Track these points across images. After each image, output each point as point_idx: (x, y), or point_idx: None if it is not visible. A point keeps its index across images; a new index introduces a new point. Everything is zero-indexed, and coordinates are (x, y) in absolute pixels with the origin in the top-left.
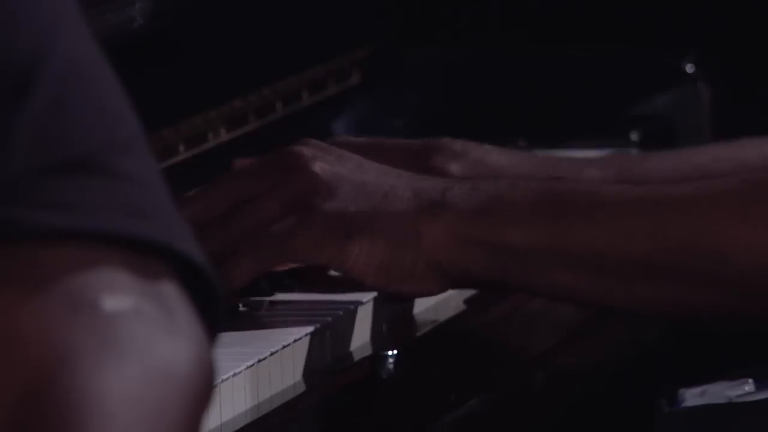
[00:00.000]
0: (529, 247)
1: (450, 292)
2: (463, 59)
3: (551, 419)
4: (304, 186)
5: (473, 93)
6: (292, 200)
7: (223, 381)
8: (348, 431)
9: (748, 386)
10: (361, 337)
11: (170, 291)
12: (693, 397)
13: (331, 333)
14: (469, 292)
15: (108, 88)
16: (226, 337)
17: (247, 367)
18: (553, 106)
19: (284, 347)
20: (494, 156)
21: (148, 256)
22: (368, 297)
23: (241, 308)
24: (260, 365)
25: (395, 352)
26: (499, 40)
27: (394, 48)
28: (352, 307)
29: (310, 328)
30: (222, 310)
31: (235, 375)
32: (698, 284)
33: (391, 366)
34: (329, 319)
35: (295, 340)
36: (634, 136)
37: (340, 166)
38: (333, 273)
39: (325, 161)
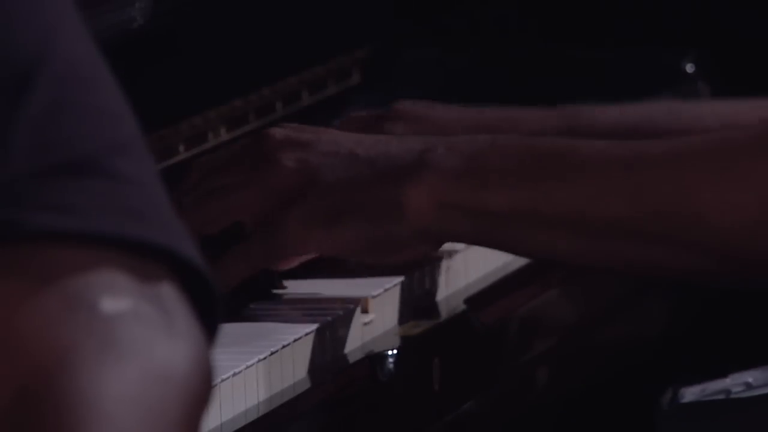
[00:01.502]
0: (510, 209)
1: (450, 292)
2: (462, 59)
3: (552, 417)
4: (281, 182)
5: (473, 93)
6: (271, 199)
7: (223, 380)
8: (348, 431)
9: (748, 383)
10: (362, 337)
11: (169, 293)
12: (693, 394)
13: (331, 332)
14: (469, 293)
15: (107, 90)
16: (227, 336)
17: (247, 367)
18: (553, 106)
19: (284, 347)
20: (439, 112)
21: (147, 258)
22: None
23: (251, 308)
24: (260, 364)
25: (395, 351)
26: (499, 41)
27: (394, 48)
28: (352, 306)
29: (310, 328)
30: (220, 311)
31: (235, 374)
32: (676, 245)
33: (391, 366)
34: (329, 318)
35: (295, 340)
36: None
37: (313, 152)
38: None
39: (296, 149)
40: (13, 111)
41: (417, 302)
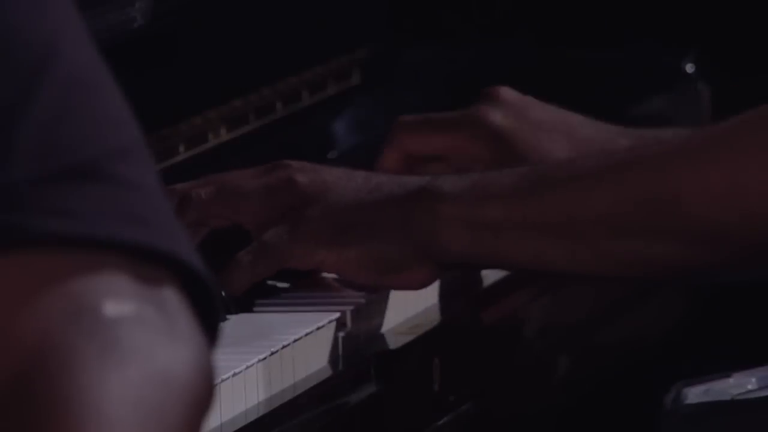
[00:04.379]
0: (506, 219)
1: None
2: (463, 59)
3: (554, 417)
4: (291, 195)
5: (473, 93)
6: (280, 210)
7: (223, 380)
8: (348, 431)
9: (752, 384)
10: (362, 337)
11: (171, 297)
12: (696, 395)
13: (332, 332)
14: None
15: (110, 95)
16: (227, 337)
17: (248, 367)
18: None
19: (285, 347)
20: (537, 109)
21: (149, 263)
22: (368, 298)
23: (256, 309)
24: (260, 365)
25: (395, 352)
26: (499, 41)
27: (394, 48)
28: (352, 306)
29: (310, 328)
30: (221, 316)
31: (235, 375)
32: (657, 235)
33: (391, 366)
34: (329, 318)
35: (295, 340)
36: None
37: (326, 174)
38: (325, 275)
39: (311, 172)
40: (17, 116)
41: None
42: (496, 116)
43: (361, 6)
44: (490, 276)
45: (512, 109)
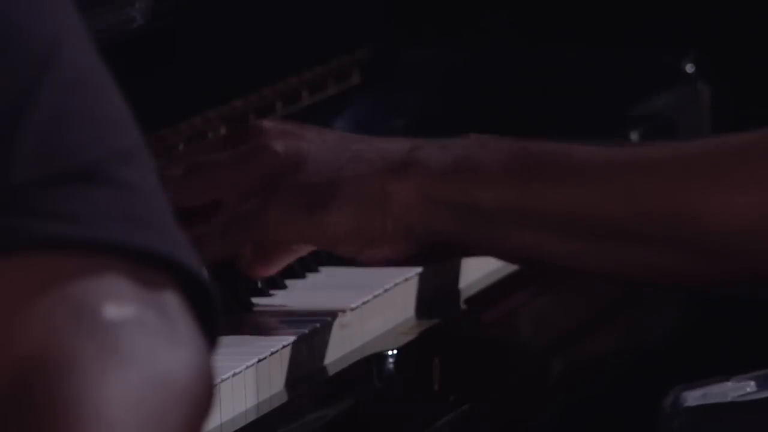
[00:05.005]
0: (500, 208)
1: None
2: (462, 59)
3: (552, 420)
4: (267, 165)
5: (473, 93)
6: (256, 180)
7: (222, 381)
8: (348, 431)
9: (750, 387)
10: (361, 337)
11: (171, 300)
12: (695, 398)
13: (332, 332)
14: (469, 293)
15: (110, 98)
16: (227, 337)
17: (247, 367)
18: (553, 106)
19: (284, 347)
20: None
21: (150, 266)
22: (369, 297)
23: (256, 309)
24: (260, 365)
25: (395, 352)
26: (499, 41)
27: (394, 48)
28: (352, 306)
29: (309, 329)
30: (221, 320)
31: (235, 375)
32: (671, 248)
33: (391, 366)
34: (329, 319)
35: (294, 340)
36: (634, 136)
37: (301, 141)
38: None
39: (287, 138)
40: (18, 119)
41: (434, 295)
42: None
43: (361, 6)
44: (490, 276)
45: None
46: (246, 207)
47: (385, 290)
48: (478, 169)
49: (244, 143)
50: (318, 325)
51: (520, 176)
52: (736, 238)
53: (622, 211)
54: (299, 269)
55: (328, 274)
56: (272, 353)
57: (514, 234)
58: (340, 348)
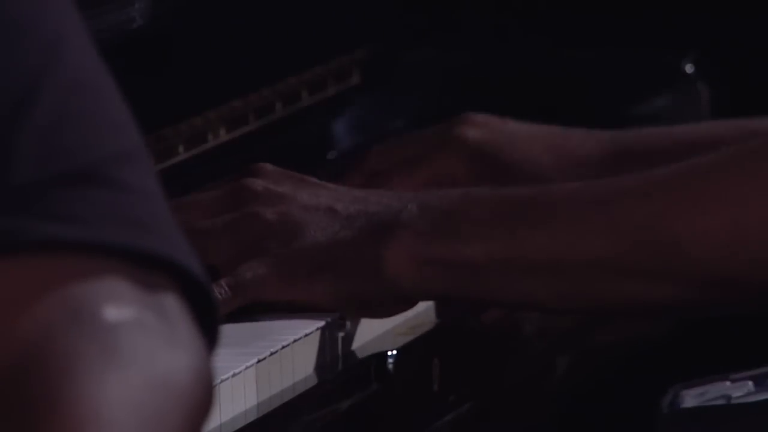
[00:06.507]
0: (487, 260)
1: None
2: (462, 60)
3: (550, 420)
4: (258, 234)
5: (473, 94)
6: (247, 250)
7: (222, 381)
8: (348, 431)
9: (748, 387)
10: (361, 337)
11: (171, 303)
12: (693, 397)
13: (331, 333)
14: None
15: (111, 100)
16: (226, 337)
17: (247, 368)
18: (553, 106)
19: (284, 347)
20: (512, 123)
21: (150, 268)
22: None
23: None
24: (260, 365)
25: (395, 352)
26: (499, 41)
27: (394, 49)
28: None
29: (309, 328)
30: (219, 322)
31: (234, 375)
32: (655, 277)
33: (391, 366)
34: (329, 319)
35: (294, 340)
36: None
37: (293, 206)
38: None
39: (278, 203)
40: (18, 120)
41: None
42: (472, 132)
43: (361, 6)
44: None
45: (486, 125)
46: (244, 272)
47: None
48: (461, 223)
49: (234, 207)
50: (318, 325)
51: (503, 227)
52: (716, 261)
53: (603, 247)
54: None
55: None
56: (272, 353)
57: (506, 284)
58: (340, 348)
